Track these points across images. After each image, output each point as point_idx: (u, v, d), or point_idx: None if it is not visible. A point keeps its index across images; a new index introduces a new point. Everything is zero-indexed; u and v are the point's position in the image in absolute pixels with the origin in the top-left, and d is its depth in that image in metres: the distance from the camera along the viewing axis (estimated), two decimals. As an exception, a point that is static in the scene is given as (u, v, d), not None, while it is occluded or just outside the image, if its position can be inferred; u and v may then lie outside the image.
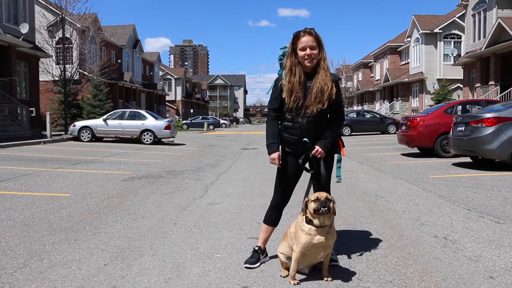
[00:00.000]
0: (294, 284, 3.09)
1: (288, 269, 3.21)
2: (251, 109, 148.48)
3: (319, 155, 3.31)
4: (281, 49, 3.60)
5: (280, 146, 3.45)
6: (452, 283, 3.10)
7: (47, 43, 26.32)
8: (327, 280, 3.15)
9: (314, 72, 3.32)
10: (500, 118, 8.86)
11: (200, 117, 54.91)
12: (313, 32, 3.28)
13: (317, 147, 3.30)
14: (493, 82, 23.73)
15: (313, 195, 3.11)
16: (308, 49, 3.24)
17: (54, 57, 26.68)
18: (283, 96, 3.30)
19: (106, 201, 6.15)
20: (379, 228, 4.62)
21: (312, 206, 3.05)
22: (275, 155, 3.37)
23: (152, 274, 3.31)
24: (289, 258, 3.21)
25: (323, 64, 3.31)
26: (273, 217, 3.58)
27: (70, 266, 3.47)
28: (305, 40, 3.25)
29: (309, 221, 3.08)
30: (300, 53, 3.26)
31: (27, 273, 3.31)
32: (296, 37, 3.29)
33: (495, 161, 9.83)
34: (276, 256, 3.45)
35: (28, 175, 8.42)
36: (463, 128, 9.59)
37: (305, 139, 3.31)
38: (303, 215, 3.13)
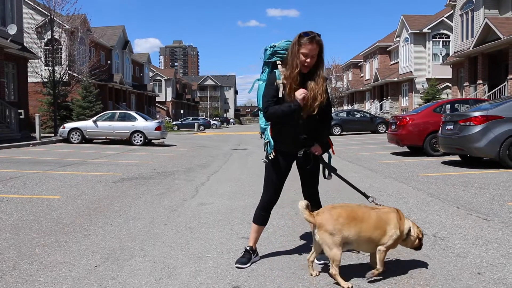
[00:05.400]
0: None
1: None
2: (241, 110, 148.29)
3: (317, 153, 3.40)
4: (270, 47, 3.51)
5: (274, 146, 3.46)
6: (440, 279, 3.15)
7: (35, 44, 26.05)
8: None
9: (309, 74, 3.32)
10: (488, 117, 8.97)
11: (191, 118, 54.75)
12: (319, 41, 3.23)
13: (316, 146, 3.38)
14: (481, 81, 24.00)
15: (420, 231, 3.34)
16: (309, 58, 3.23)
17: (43, 59, 26.46)
18: (280, 96, 3.32)
19: (96, 202, 6.12)
20: (369, 227, 4.64)
21: (416, 242, 3.31)
22: (300, 90, 3.24)
23: (143, 275, 3.31)
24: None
25: (319, 72, 3.30)
26: (262, 217, 3.59)
27: (60, 268, 3.46)
28: (310, 48, 3.20)
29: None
30: (301, 58, 3.24)
31: (16, 276, 3.29)
32: (301, 38, 3.23)
33: (483, 159, 9.95)
34: (267, 256, 3.45)
35: (17, 177, 8.35)
36: (452, 126, 9.69)
37: (304, 135, 3.35)
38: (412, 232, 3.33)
